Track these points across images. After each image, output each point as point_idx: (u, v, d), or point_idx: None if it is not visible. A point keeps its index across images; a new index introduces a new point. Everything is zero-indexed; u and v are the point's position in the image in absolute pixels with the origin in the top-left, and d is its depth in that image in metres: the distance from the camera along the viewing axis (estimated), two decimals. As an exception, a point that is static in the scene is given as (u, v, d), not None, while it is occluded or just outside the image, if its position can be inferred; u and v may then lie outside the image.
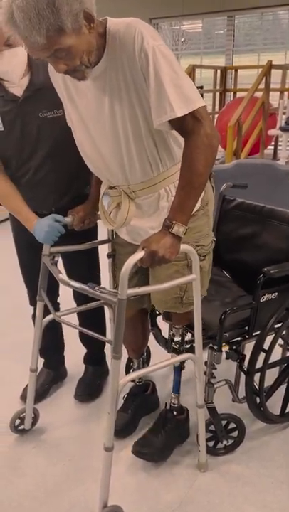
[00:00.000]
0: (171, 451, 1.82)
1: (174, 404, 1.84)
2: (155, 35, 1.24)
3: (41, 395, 2.15)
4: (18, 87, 1.60)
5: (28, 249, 1.88)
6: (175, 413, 1.84)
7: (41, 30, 1.10)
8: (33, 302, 2.02)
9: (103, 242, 1.80)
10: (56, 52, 1.17)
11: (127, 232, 1.61)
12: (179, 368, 1.80)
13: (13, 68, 1.54)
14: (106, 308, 2.08)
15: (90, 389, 2.17)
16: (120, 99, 1.31)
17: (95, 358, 2.24)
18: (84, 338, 2.21)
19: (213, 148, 1.30)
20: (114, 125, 1.35)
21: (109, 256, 1.79)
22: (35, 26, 1.09)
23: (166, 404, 1.87)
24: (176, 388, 1.82)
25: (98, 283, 1.97)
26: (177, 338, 1.75)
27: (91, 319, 2.07)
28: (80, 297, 2.02)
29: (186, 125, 1.27)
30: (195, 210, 1.45)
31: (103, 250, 1.88)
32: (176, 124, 1.29)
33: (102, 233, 1.81)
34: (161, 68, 1.22)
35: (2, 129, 1.64)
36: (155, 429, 1.82)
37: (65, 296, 2.07)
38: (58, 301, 2.11)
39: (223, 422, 1.82)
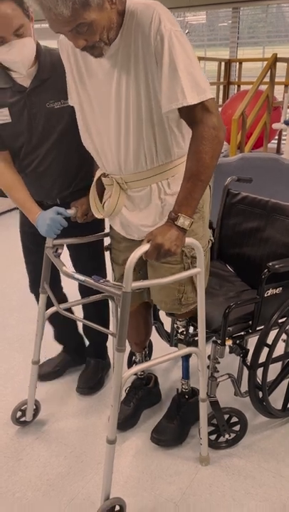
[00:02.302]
0: (187, 434, 1.87)
1: (185, 389, 1.88)
2: (173, 20, 1.23)
3: (50, 374, 2.23)
4: (25, 77, 1.59)
5: (33, 238, 1.87)
6: (187, 397, 1.88)
7: (67, 2, 1.08)
8: (33, 289, 2.03)
9: (107, 234, 1.79)
10: (78, 27, 1.15)
11: (121, 225, 1.59)
12: (187, 356, 1.83)
13: (22, 58, 1.52)
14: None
15: (91, 382, 2.17)
16: (127, 82, 1.29)
17: (97, 350, 2.24)
18: (86, 331, 2.22)
19: (220, 141, 1.29)
20: (118, 110, 1.34)
21: (106, 249, 1.79)
22: None
23: (177, 389, 1.91)
24: (186, 374, 1.85)
25: (103, 275, 1.97)
26: (182, 329, 1.75)
27: (95, 312, 2.07)
28: (84, 290, 2.02)
29: (195, 114, 1.26)
30: None
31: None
32: (185, 112, 1.27)
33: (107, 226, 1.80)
34: (176, 53, 1.20)
35: (10, 121, 1.63)
36: (170, 416, 1.88)
37: (71, 288, 2.07)
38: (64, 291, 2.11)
39: (226, 416, 1.82)
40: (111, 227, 1.69)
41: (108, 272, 1.98)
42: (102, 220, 1.91)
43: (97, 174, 1.57)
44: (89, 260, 1.96)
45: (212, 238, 1.71)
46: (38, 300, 1.81)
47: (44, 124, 1.64)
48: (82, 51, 1.27)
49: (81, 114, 1.47)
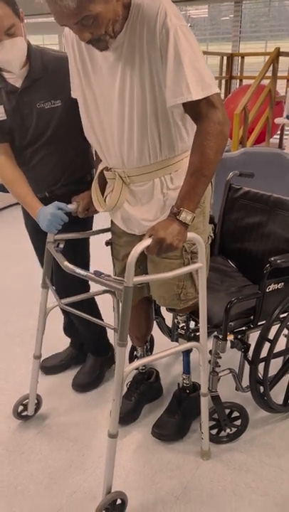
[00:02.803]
0: (188, 428, 1.87)
1: (186, 384, 1.88)
2: (179, 15, 1.23)
3: (56, 368, 2.25)
4: (17, 77, 1.61)
5: (36, 233, 1.88)
6: (188, 391, 1.89)
7: None
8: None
9: (106, 230, 1.79)
10: (83, 20, 1.15)
11: (122, 219, 1.59)
12: (187, 351, 1.84)
13: (14, 58, 1.53)
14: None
15: (85, 379, 2.15)
16: (132, 75, 1.29)
17: (93, 348, 2.22)
18: (71, 332, 2.25)
19: (224, 136, 1.28)
20: (121, 103, 1.33)
21: (107, 244, 1.79)
22: None
23: (178, 384, 1.91)
24: (187, 369, 1.86)
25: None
26: (182, 324, 1.75)
27: (86, 310, 2.06)
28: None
29: (199, 109, 1.26)
30: None
31: (101, 239, 1.86)
32: (189, 107, 1.27)
33: (106, 222, 1.80)
34: (181, 48, 1.20)
35: (5, 118, 1.64)
36: (171, 410, 1.88)
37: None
38: None
39: (227, 411, 1.83)
40: (112, 222, 1.69)
41: (102, 268, 1.98)
42: (91, 217, 1.90)
43: (100, 168, 1.56)
44: (70, 257, 1.95)
45: (212, 234, 1.70)
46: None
47: (36, 123, 1.66)
48: (87, 44, 1.26)
49: (84, 107, 1.47)
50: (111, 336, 2.24)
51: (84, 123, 1.51)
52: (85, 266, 1.99)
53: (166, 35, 1.20)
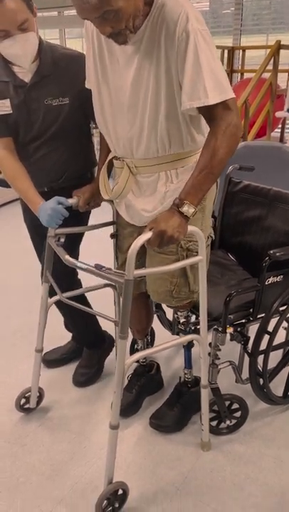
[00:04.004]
0: (187, 421, 1.89)
1: (188, 378, 1.90)
2: (201, 19, 1.25)
3: (57, 361, 2.27)
4: (26, 72, 1.61)
5: (34, 228, 1.89)
6: (189, 386, 1.90)
7: None
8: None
9: (107, 224, 1.80)
10: (105, 14, 1.16)
11: (126, 209, 1.61)
12: (188, 346, 1.85)
13: (25, 52, 1.53)
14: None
15: (86, 374, 2.16)
16: (149, 71, 1.31)
17: (89, 340, 2.22)
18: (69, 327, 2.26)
19: (237, 138, 1.31)
20: (136, 96, 1.35)
21: (112, 236, 1.80)
22: None
23: (180, 378, 1.93)
24: (188, 364, 1.88)
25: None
26: (182, 320, 1.77)
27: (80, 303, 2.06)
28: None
29: (214, 113, 1.28)
30: None
31: (99, 233, 1.87)
32: (204, 110, 1.29)
33: (107, 217, 1.81)
34: (202, 52, 1.22)
35: (11, 111, 1.65)
36: (170, 403, 1.90)
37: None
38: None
39: (227, 403, 1.84)
40: (117, 214, 1.71)
41: (104, 261, 1.99)
42: (88, 213, 1.90)
43: (109, 157, 1.59)
44: (74, 251, 1.96)
45: (212, 235, 1.71)
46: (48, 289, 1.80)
47: (42, 119, 1.67)
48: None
49: (98, 96, 1.48)
50: (107, 328, 2.24)
51: (96, 113, 1.53)
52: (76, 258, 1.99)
53: (187, 39, 1.22)
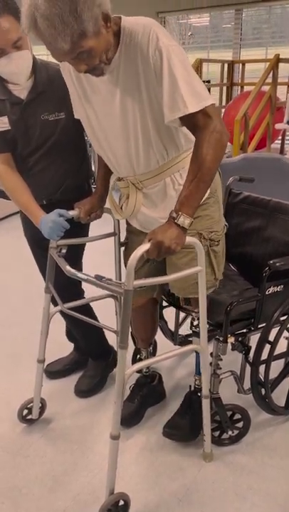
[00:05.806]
0: (200, 429, 1.84)
1: (198, 385, 1.87)
2: (169, 36, 1.29)
3: (60, 372, 2.28)
4: (22, 89, 1.65)
5: (36, 242, 1.91)
6: (199, 394, 1.87)
7: (66, 37, 1.14)
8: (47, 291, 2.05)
9: (109, 235, 1.82)
10: (78, 55, 1.21)
11: (138, 222, 1.65)
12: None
13: (21, 70, 1.59)
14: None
15: (90, 384, 2.17)
16: (132, 95, 1.35)
17: (94, 352, 2.23)
18: (71, 337, 2.26)
19: (223, 144, 1.33)
20: (124, 120, 1.39)
21: (121, 244, 1.82)
22: (60, 34, 1.13)
23: (190, 386, 1.91)
24: (199, 370, 1.85)
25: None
26: (197, 322, 1.76)
27: (85, 315, 2.07)
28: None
29: (196, 121, 1.31)
30: (205, 198, 1.50)
31: (101, 245, 1.88)
32: (187, 121, 1.32)
33: (107, 227, 1.83)
34: (174, 66, 1.26)
35: (9, 128, 1.69)
36: (181, 412, 1.89)
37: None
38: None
39: (229, 413, 1.84)
40: (128, 223, 1.74)
41: (107, 272, 2.01)
42: (88, 225, 1.93)
43: (111, 180, 1.64)
44: (77, 262, 1.98)
45: (226, 223, 1.74)
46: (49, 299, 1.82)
47: (40, 133, 1.71)
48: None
49: (89, 126, 1.53)
50: (112, 340, 2.25)
51: (91, 140, 1.58)
52: (80, 270, 2.01)
53: (160, 57, 1.26)
